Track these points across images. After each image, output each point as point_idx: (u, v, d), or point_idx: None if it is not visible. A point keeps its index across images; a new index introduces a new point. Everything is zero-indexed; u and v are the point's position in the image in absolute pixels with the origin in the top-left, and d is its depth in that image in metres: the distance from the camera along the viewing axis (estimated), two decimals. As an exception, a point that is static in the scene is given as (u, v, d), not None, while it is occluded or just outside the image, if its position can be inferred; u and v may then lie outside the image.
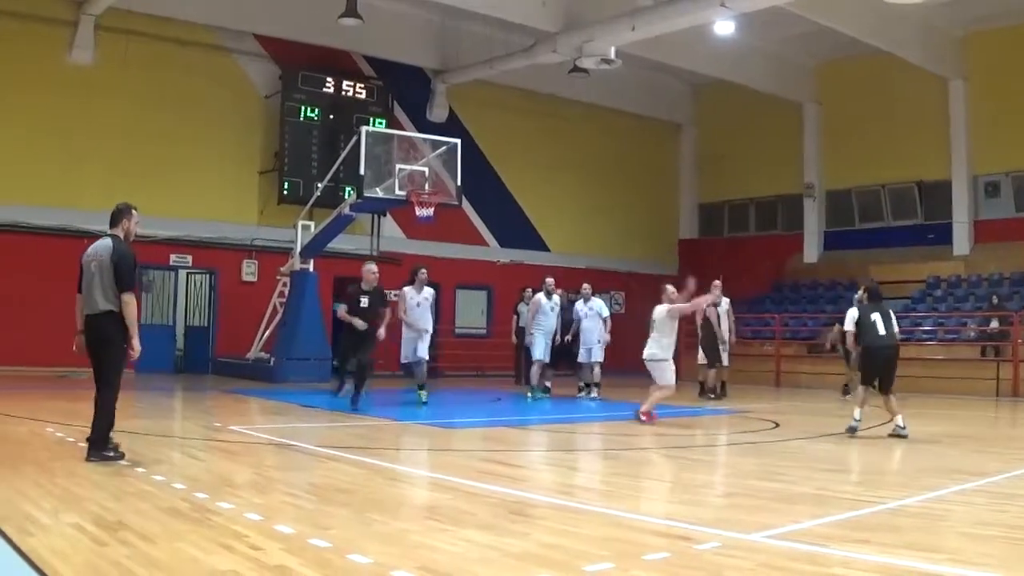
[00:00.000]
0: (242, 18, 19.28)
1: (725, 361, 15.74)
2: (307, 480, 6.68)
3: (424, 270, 13.04)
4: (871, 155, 22.92)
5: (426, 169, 16.31)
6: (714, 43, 20.10)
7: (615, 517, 5.39)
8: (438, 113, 22.72)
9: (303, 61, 20.47)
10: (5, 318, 16.40)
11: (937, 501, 6.01)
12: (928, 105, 21.83)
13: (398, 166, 15.83)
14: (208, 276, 20.05)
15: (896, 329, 9.82)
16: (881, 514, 5.50)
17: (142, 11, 17.84)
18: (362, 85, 21.40)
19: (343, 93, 21.08)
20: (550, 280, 15.22)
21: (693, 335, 16.19)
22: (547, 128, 24.35)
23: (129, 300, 6.76)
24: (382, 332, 11.77)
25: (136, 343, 6.78)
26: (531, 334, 14.79)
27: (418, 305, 12.71)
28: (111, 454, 6.72)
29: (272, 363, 17.22)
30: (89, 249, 6.97)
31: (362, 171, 15.57)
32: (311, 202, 18.54)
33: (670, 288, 11.61)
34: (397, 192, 15.73)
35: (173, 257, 19.32)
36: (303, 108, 20.45)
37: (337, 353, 12.56)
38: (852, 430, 9.52)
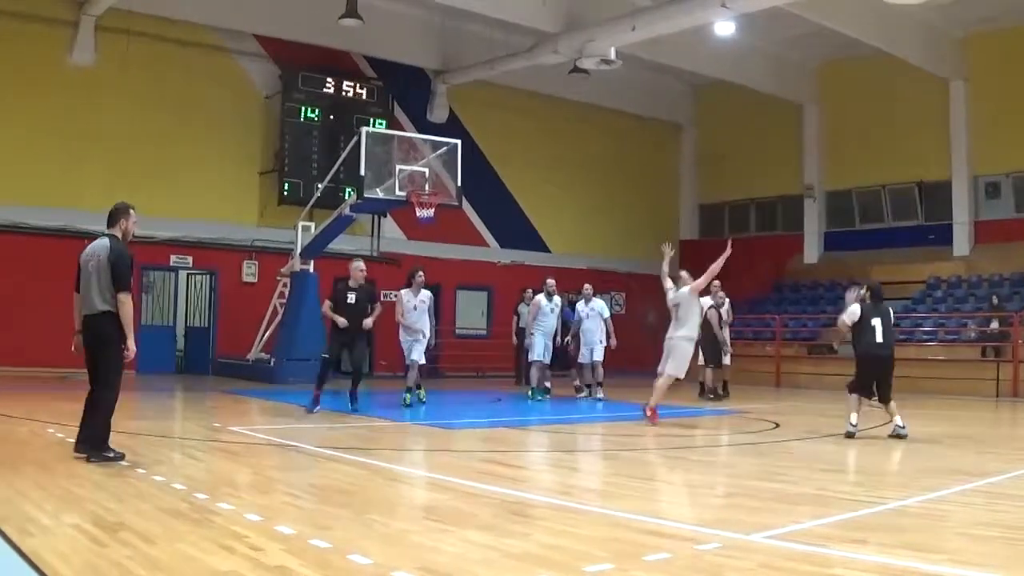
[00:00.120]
0: (242, 18, 19.28)
1: (727, 361, 15.76)
2: (307, 481, 6.68)
3: (421, 272, 12.60)
4: (871, 156, 22.93)
5: (426, 170, 16.30)
6: (714, 43, 20.11)
7: (615, 517, 5.39)
8: (438, 114, 22.72)
9: (303, 61, 20.48)
10: (5, 318, 16.41)
11: (937, 502, 6.01)
12: (928, 106, 21.83)
13: (398, 167, 15.81)
14: (208, 277, 20.05)
15: (893, 335, 9.78)
16: (881, 514, 5.49)
17: (143, 12, 17.83)
18: (362, 86, 21.42)
19: (343, 93, 21.09)
20: (551, 281, 15.19)
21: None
22: (547, 129, 24.36)
23: (125, 300, 6.74)
24: (368, 322, 11.47)
25: (131, 343, 6.75)
26: (531, 335, 14.79)
27: (415, 308, 12.37)
28: (111, 454, 6.72)
29: (272, 364, 17.22)
30: (87, 249, 6.95)
31: (362, 172, 15.56)
32: (311, 203, 18.52)
33: (684, 274, 11.61)
34: (397, 193, 15.70)
35: (173, 258, 19.34)
36: (303, 109, 20.46)
37: (326, 353, 11.77)
38: (850, 436, 9.49)
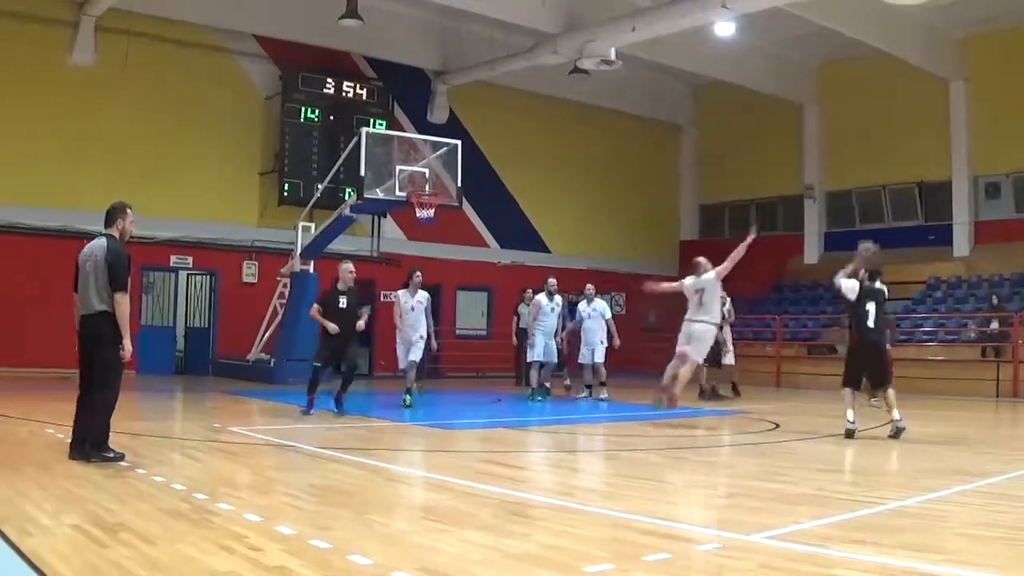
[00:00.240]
0: (242, 19, 19.29)
1: (729, 360, 15.75)
2: (307, 481, 6.67)
3: (419, 273, 12.48)
4: (871, 156, 22.93)
5: (426, 170, 16.30)
6: (714, 44, 20.11)
7: (615, 518, 5.39)
8: (438, 114, 22.73)
9: (303, 62, 20.48)
10: (5, 318, 16.41)
11: (937, 502, 6.00)
12: (929, 106, 21.83)
13: (398, 167, 15.81)
14: (208, 277, 20.06)
15: (883, 321, 9.72)
16: (881, 515, 5.49)
17: (143, 12, 17.85)
18: (362, 86, 21.43)
19: (343, 94, 21.10)
20: (552, 281, 15.15)
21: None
22: (548, 129, 24.37)
23: (122, 300, 6.72)
24: (360, 324, 11.36)
25: (127, 344, 6.73)
26: (532, 335, 14.77)
27: (412, 309, 12.28)
28: (111, 455, 6.72)
29: (272, 364, 17.22)
30: (85, 248, 6.94)
31: (362, 172, 15.57)
32: (311, 203, 18.53)
33: (703, 260, 11.49)
34: (397, 193, 15.71)
35: (173, 258, 19.35)
36: (303, 109, 20.47)
37: (317, 357, 11.50)
38: (850, 433, 9.48)
